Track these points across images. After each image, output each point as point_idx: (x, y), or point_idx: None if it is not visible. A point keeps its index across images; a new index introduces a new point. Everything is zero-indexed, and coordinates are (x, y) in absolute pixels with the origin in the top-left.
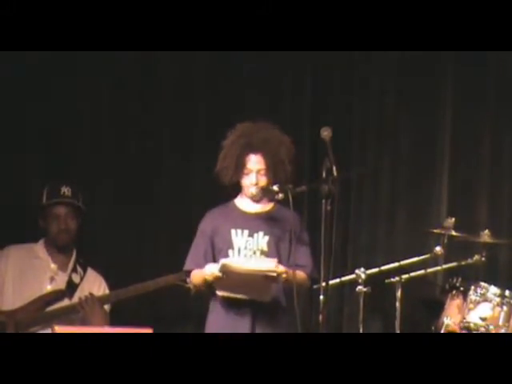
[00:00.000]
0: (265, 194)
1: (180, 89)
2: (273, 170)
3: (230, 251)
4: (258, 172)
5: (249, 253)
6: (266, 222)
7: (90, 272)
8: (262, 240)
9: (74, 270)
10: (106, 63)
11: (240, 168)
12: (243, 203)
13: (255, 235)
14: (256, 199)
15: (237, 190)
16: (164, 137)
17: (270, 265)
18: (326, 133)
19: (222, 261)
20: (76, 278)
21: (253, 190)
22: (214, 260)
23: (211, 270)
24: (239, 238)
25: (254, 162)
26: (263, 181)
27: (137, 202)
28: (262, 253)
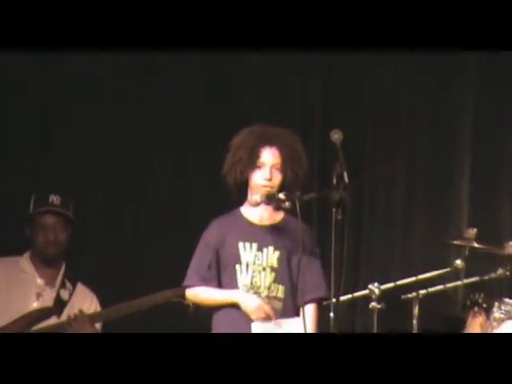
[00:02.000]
0: (269, 201)
1: (178, 90)
2: (290, 166)
3: (238, 266)
4: (272, 166)
5: (257, 269)
6: (276, 235)
7: (81, 288)
8: (272, 255)
9: (63, 285)
10: (96, 63)
11: (253, 160)
12: (250, 213)
13: (265, 250)
14: (261, 207)
15: (242, 193)
16: (160, 142)
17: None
18: (336, 136)
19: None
20: (65, 295)
21: (257, 198)
22: (219, 275)
23: (252, 306)
24: (247, 252)
25: (269, 155)
26: (278, 177)
27: (131, 212)
28: (272, 270)
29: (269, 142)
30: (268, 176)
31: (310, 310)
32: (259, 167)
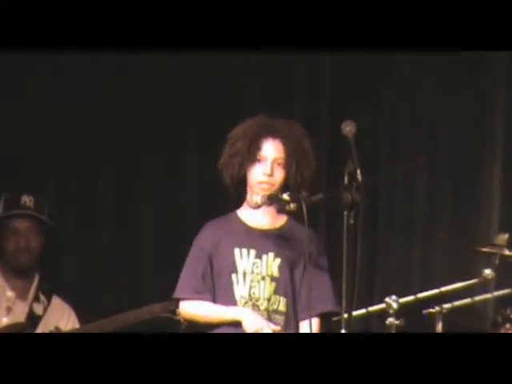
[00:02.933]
0: (272, 203)
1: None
2: (294, 162)
3: (233, 275)
4: (274, 161)
5: (256, 278)
6: (277, 240)
7: (56, 301)
8: (272, 263)
9: (36, 298)
10: (73, 61)
11: (252, 152)
12: (248, 216)
13: (264, 257)
14: (261, 208)
15: (240, 192)
16: (146, 142)
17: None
18: (348, 128)
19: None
20: (38, 309)
21: (258, 199)
22: (213, 285)
23: (254, 327)
24: (244, 259)
25: (272, 148)
26: (280, 174)
27: (114, 217)
28: (273, 279)
29: (272, 133)
30: (269, 171)
31: (313, 326)
32: (259, 161)
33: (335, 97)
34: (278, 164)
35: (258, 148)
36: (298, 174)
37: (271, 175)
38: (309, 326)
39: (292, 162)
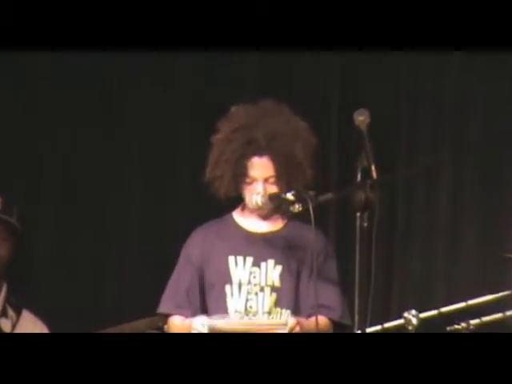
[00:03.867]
0: (275, 204)
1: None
2: (286, 177)
3: (227, 287)
4: (265, 180)
5: (254, 289)
6: (277, 245)
7: (27, 316)
8: (272, 271)
9: (4, 313)
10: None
11: (240, 177)
12: (245, 219)
13: (263, 265)
14: (263, 213)
15: (237, 201)
16: (132, 142)
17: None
18: (361, 117)
19: (207, 323)
20: (6, 325)
21: (258, 200)
22: (204, 297)
23: (198, 327)
24: (240, 268)
25: (260, 168)
26: (273, 191)
27: (92, 220)
28: (274, 290)
29: (258, 150)
30: (261, 192)
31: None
32: (249, 184)
33: (346, 80)
34: (270, 183)
35: (244, 172)
36: (291, 188)
37: (265, 195)
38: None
39: (283, 177)
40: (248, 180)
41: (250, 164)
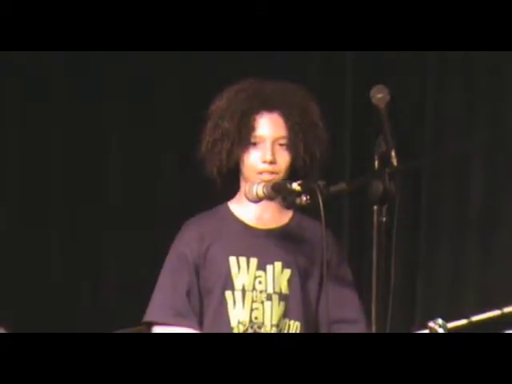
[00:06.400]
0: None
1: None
2: (301, 139)
3: (228, 293)
4: (275, 141)
5: (259, 297)
6: (284, 244)
7: None
8: (280, 276)
9: None
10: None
11: (245, 134)
12: (244, 211)
13: (269, 268)
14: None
15: (231, 188)
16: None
17: None
18: (380, 95)
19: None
20: None
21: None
22: (201, 304)
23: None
24: (243, 271)
25: (269, 125)
26: (284, 158)
27: (69, 215)
28: (282, 298)
29: (267, 104)
30: (269, 157)
31: None
32: (255, 144)
33: (360, 56)
34: (281, 145)
35: (251, 127)
36: (307, 155)
37: (273, 161)
38: None
39: (298, 139)
40: (254, 139)
41: (257, 119)
